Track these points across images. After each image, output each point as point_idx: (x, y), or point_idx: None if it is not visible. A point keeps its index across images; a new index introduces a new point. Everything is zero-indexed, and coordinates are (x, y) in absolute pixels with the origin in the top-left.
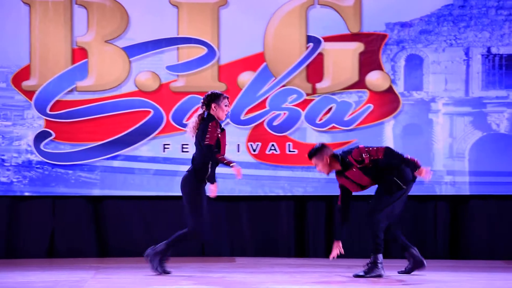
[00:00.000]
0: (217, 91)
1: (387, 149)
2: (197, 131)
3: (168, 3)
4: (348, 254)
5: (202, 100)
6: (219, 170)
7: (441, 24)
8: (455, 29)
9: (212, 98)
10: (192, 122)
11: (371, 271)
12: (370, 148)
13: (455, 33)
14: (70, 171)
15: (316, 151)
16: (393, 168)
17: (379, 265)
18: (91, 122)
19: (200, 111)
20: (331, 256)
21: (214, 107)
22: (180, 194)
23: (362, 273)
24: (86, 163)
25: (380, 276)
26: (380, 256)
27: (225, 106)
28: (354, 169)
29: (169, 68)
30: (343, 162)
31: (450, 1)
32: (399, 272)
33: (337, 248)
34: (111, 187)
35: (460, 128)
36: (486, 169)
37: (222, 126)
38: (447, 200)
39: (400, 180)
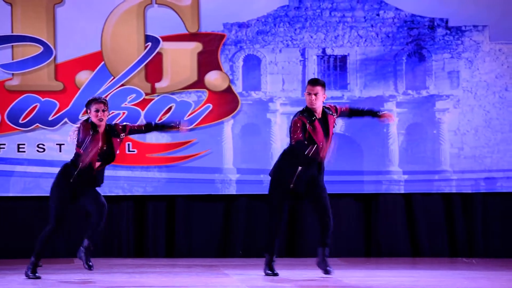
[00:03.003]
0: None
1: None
2: None
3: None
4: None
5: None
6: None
7: (278, 25)
8: (291, 30)
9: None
10: None
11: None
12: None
13: (291, 34)
14: None
15: (324, 83)
16: None
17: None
18: None
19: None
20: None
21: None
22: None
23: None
24: None
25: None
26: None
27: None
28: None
29: (3, 66)
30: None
31: (286, 2)
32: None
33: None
34: None
35: None
36: None
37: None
38: None
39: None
